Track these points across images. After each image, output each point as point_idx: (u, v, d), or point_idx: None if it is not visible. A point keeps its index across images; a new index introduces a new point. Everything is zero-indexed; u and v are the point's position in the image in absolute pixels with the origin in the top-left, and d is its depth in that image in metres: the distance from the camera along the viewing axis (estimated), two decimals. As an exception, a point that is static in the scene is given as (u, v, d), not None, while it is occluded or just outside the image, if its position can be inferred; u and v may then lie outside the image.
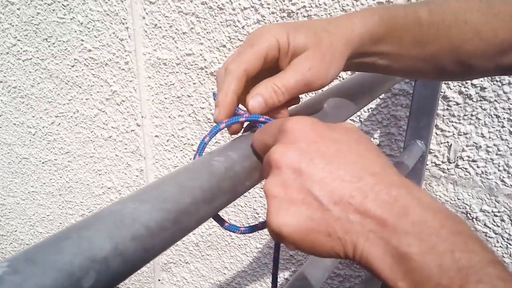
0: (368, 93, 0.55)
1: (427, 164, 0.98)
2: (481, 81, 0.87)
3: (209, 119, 1.26)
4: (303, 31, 0.38)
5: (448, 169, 0.97)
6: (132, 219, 0.27)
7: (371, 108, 1.01)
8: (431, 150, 0.97)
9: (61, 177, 1.77)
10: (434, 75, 0.50)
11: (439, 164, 0.98)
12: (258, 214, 1.31)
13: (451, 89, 0.91)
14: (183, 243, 1.54)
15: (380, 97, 0.99)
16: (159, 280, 1.71)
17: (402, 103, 0.97)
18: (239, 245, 1.40)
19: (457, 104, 0.91)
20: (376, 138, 1.04)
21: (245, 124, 0.41)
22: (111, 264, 0.24)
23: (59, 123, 1.63)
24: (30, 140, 1.77)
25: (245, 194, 1.28)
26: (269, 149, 0.32)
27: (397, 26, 0.44)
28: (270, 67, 0.40)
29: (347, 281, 1.23)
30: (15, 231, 2.14)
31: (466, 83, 0.89)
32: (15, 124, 1.78)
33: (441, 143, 0.96)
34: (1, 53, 1.65)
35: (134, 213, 0.27)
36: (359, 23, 0.42)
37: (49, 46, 1.51)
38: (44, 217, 1.96)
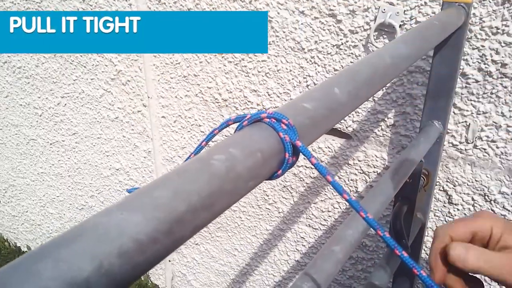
0: (382, 76, 0.51)
1: (444, 145, 0.94)
2: (502, 57, 0.82)
3: (216, 99, 1.22)
4: None
5: (466, 149, 0.93)
6: (119, 232, 0.23)
7: (385, 86, 0.96)
8: (448, 130, 0.92)
9: (69, 158, 1.76)
10: None
11: (457, 145, 0.93)
12: (267, 196, 1.28)
13: (470, 65, 0.86)
14: (193, 224, 1.52)
15: (395, 75, 0.94)
16: (169, 261, 1.71)
17: (418, 81, 0.92)
18: (249, 227, 1.38)
19: (477, 81, 0.86)
20: (390, 118, 0.99)
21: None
22: (94, 287, 0.21)
23: (65, 104, 1.61)
24: (37, 121, 1.75)
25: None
26: None
27: None
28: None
29: (360, 264, 1.20)
30: (26, 211, 2.15)
31: (486, 59, 0.84)
32: (21, 105, 1.76)
33: (459, 123, 0.91)
34: (4, 33, 1.62)
35: (121, 225, 0.24)
36: None
37: (52, 25, 1.47)
38: (54, 198, 1.96)
